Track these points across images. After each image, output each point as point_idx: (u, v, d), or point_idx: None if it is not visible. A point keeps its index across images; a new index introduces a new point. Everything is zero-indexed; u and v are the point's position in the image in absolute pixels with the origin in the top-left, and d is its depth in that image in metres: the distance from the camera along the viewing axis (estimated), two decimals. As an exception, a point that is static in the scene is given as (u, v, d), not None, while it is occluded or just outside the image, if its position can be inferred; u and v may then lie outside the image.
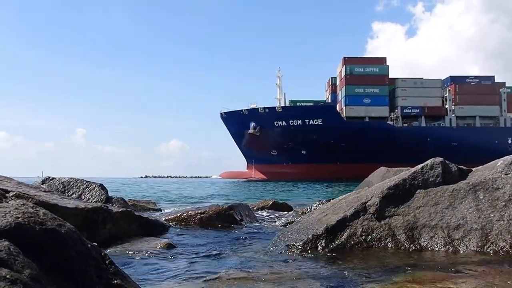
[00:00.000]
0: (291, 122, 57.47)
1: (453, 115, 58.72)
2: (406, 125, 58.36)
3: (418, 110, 58.56)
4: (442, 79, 61.63)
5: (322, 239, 3.99)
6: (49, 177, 7.69)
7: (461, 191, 4.02)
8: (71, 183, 7.41)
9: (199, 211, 6.49)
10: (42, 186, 6.95)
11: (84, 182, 7.48)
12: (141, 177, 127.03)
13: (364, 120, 58.22)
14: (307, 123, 57.01)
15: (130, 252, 4.23)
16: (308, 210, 8.29)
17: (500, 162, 4.24)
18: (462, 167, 4.53)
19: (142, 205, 9.18)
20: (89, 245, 2.13)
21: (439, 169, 4.26)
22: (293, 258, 3.74)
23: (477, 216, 3.75)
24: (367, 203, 4.16)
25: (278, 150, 59.73)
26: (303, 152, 58.35)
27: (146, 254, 4.14)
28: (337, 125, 56.29)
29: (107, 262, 2.15)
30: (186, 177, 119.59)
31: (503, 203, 3.78)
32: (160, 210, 9.09)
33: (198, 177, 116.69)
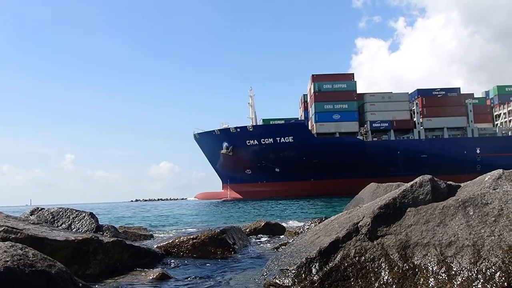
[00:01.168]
0: (263, 141, 58.23)
1: (421, 127, 59.94)
2: (376, 139, 59.24)
3: (387, 124, 59.68)
4: (409, 92, 62.85)
5: (316, 262, 3.97)
6: (38, 208, 7.58)
7: (451, 207, 4.04)
8: (60, 213, 7.32)
9: (191, 237, 6.44)
10: (30, 217, 6.86)
11: (74, 211, 7.38)
12: (131, 201, 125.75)
13: (334, 136, 58.97)
14: (278, 141, 57.78)
15: (123, 286, 4.17)
16: (301, 230, 8.27)
17: (487, 177, 4.29)
18: (451, 183, 4.58)
19: (133, 232, 9.08)
20: (80, 284, 2.10)
21: (428, 186, 4.29)
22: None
23: (468, 233, 3.77)
24: (359, 224, 4.17)
25: (252, 169, 60.14)
26: (277, 170, 58.88)
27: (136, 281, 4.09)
28: (307, 142, 57.11)
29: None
30: (166, 199, 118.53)
31: (493, 218, 3.81)
32: (151, 236, 9.00)
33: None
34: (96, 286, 4.00)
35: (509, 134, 61.27)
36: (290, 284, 3.88)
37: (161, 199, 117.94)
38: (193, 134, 64.77)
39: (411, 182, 4.40)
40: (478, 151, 58.68)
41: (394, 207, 4.20)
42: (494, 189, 4.02)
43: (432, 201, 4.20)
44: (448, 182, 4.47)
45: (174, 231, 11.20)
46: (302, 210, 22.90)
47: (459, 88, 62.63)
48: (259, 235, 8.80)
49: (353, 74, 62.62)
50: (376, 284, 3.70)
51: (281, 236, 8.62)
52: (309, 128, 61.21)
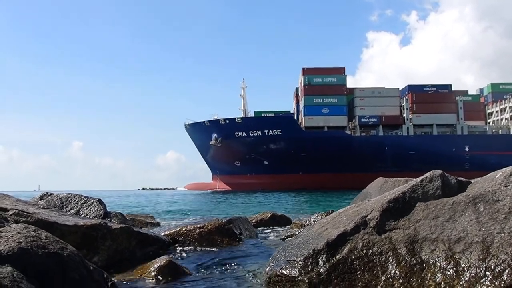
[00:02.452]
0: (251, 133, 58.30)
1: (410, 123, 59.51)
2: (364, 134, 58.92)
3: (375, 119, 59.51)
4: (400, 88, 62.36)
5: (323, 254, 3.98)
6: (47, 193, 7.64)
7: (461, 203, 4.02)
8: (69, 199, 7.37)
9: (198, 226, 6.46)
10: (40, 202, 6.91)
11: (82, 197, 7.43)
12: (138, 189, 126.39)
13: (323, 130, 58.73)
14: (266, 133, 57.81)
15: (131, 272, 4.21)
16: (307, 222, 8.27)
17: (499, 174, 4.25)
18: (462, 179, 4.55)
19: (140, 219, 9.14)
20: (91, 268, 2.12)
21: (438, 181, 4.27)
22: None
23: (478, 229, 3.75)
24: (367, 217, 4.16)
25: (241, 161, 60.23)
26: (265, 162, 58.91)
27: (148, 275, 4.12)
28: (295, 135, 57.08)
29: (109, 284, 2.14)
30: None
31: (503, 216, 3.78)
32: (158, 224, 9.05)
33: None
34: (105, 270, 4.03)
35: (500, 132, 60.51)
36: (296, 275, 3.89)
37: (167, 188, 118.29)
38: (184, 124, 64.77)
39: (421, 177, 4.38)
40: (467, 149, 58.30)
41: (404, 201, 4.19)
42: (505, 186, 3.99)
43: (442, 197, 4.17)
44: (458, 178, 4.44)
45: (184, 220, 11.26)
46: (284, 204, 22.90)
47: (451, 84, 62.44)
48: (265, 226, 8.82)
49: (344, 68, 62.13)
50: (383, 278, 3.70)
51: (287, 228, 8.64)
52: (300, 121, 60.94)
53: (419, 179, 4.37)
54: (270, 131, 57.53)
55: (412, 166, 54.46)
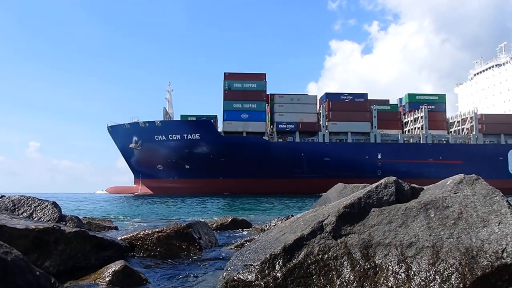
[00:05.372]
0: (170, 137, 58.24)
1: (326, 131, 61.09)
2: (281, 140, 59.99)
3: (293, 126, 60.75)
4: (319, 96, 64.21)
5: (280, 258, 4.00)
6: (-2, 195, 7.34)
7: (413, 209, 4.15)
8: (22, 201, 7.10)
9: (157, 230, 6.37)
10: (-10, 204, 6.63)
11: (36, 200, 7.18)
12: (98, 192, 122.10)
13: (242, 135, 59.48)
14: (185, 137, 57.95)
15: (84, 278, 4.10)
16: (267, 227, 8.31)
17: (449, 181, 4.42)
18: (415, 185, 4.69)
19: (97, 223, 8.93)
20: (37, 273, 2.05)
21: (392, 188, 4.39)
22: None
23: (428, 234, 3.87)
24: (324, 222, 4.22)
25: (164, 165, 60.02)
26: (187, 167, 58.86)
27: (102, 281, 4.02)
28: (213, 140, 57.70)
29: (56, 290, 2.08)
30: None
31: (452, 221, 3.93)
32: (116, 228, 8.87)
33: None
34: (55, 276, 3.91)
35: (411, 141, 62.82)
36: (253, 280, 3.89)
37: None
38: (106, 126, 63.72)
39: (376, 183, 4.49)
40: (379, 157, 60.29)
41: (359, 206, 4.27)
42: (455, 193, 4.15)
43: (396, 202, 4.29)
44: (412, 185, 4.58)
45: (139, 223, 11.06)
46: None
47: (367, 94, 64.79)
48: (225, 231, 8.80)
49: (265, 74, 62.90)
50: (338, 282, 3.76)
51: (247, 232, 8.65)
52: (217, 126, 61.40)
53: (374, 185, 4.48)
54: (189, 135, 57.61)
55: (328, 172, 56.47)
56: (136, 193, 60.37)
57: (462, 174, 4.43)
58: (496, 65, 73.64)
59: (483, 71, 76.60)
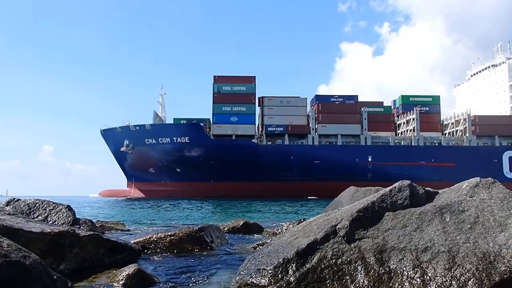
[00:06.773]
0: (160, 140, 58.22)
1: (316, 133, 60.50)
2: (270, 143, 59.59)
3: (282, 128, 60.20)
4: (309, 99, 63.71)
5: (293, 263, 3.99)
6: (14, 199, 7.42)
7: (428, 213, 4.11)
8: (37, 205, 7.17)
9: (169, 233, 6.39)
10: (6, 208, 6.71)
11: (51, 203, 7.24)
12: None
13: (231, 138, 59.22)
14: (175, 140, 57.89)
15: (99, 281, 4.12)
16: (279, 231, 8.29)
17: (465, 185, 4.37)
18: (429, 189, 4.65)
19: (111, 226, 8.99)
20: (54, 277, 2.07)
21: (406, 191, 4.35)
22: None
23: (444, 239, 3.83)
24: (337, 226, 4.20)
25: (155, 168, 60.06)
26: (178, 170, 58.81)
27: (116, 284, 4.04)
28: (203, 143, 57.53)
29: (73, 293, 2.09)
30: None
31: (469, 226, 3.88)
32: (128, 231, 8.91)
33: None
34: (71, 280, 3.94)
35: (402, 143, 61.98)
36: (266, 284, 3.88)
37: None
38: (99, 130, 64.05)
39: (390, 187, 4.45)
40: (370, 159, 59.49)
41: (373, 210, 4.25)
42: (471, 197, 4.10)
43: (410, 207, 4.25)
44: (426, 188, 4.53)
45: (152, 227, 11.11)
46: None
47: (357, 96, 63.49)
48: (237, 234, 8.80)
49: (254, 77, 62.30)
50: (352, 287, 3.73)
51: (259, 236, 8.63)
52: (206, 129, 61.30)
53: (388, 189, 4.45)
54: (179, 138, 57.57)
55: (318, 175, 56.09)
56: (128, 196, 60.60)
57: (478, 178, 4.38)
58: (492, 65, 72.21)
59: (480, 71, 75.11)
